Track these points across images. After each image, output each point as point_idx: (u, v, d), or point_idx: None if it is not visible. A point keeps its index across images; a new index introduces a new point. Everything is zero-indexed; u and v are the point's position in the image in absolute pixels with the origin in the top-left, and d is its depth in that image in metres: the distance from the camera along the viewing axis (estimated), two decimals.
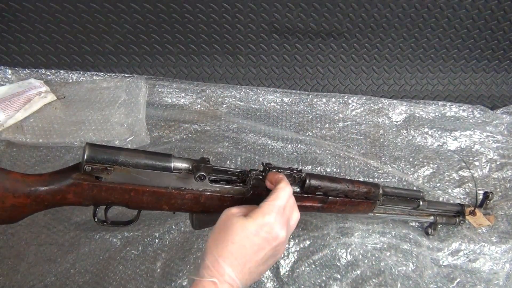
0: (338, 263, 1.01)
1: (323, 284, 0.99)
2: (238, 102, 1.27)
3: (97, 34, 1.24)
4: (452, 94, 1.37)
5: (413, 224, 1.10)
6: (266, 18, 1.24)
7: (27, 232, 0.99)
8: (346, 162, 1.18)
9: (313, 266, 1.01)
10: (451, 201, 1.14)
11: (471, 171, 1.19)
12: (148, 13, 1.21)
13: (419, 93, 1.36)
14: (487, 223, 1.09)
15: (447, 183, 1.17)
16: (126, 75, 1.28)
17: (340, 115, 1.27)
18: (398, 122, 1.27)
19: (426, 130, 1.25)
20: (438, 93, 1.36)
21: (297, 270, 1.00)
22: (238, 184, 0.77)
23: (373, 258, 1.03)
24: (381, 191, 0.89)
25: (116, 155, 0.68)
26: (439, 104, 1.31)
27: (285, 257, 1.01)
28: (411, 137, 1.24)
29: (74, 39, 1.24)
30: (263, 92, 1.29)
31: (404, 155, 1.21)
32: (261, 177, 0.76)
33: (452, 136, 1.25)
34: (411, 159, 1.20)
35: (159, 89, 1.26)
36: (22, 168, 1.08)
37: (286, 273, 0.99)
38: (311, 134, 1.23)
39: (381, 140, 1.24)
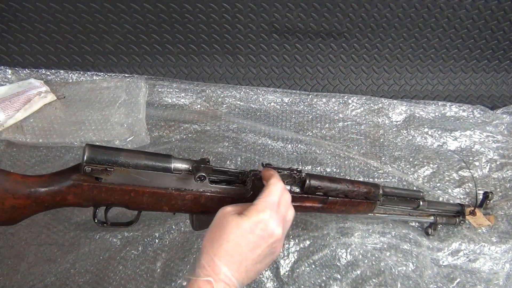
0: (338, 263, 1.01)
1: (323, 284, 0.99)
2: (238, 102, 1.27)
3: (97, 34, 1.24)
4: (452, 94, 1.37)
5: (413, 224, 1.10)
6: (266, 18, 1.24)
7: (27, 232, 0.99)
8: (346, 162, 1.18)
9: (313, 266, 1.01)
10: (451, 201, 1.14)
11: (471, 171, 1.19)
12: (148, 13, 1.21)
13: (419, 93, 1.36)
14: (487, 223, 1.09)
15: (447, 183, 1.17)
16: (126, 75, 1.28)
17: (340, 115, 1.27)
18: (398, 122, 1.27)
19: (426, 130, 1.25)
20: (438, 93, 1.36)
21: (297, 270, 1.00)
22: (238, 185, 0.77)
23: (373, 258, 1.03)
24: (381, 191, 0.89)
25: (116, 156, 0.68)
26: (439, 104, 1.31)
27: (285, 257, 1.01)
28: (411, 137, 1.24)
29: (74, 39, 1.24)
30: (263, 92, 1.29)
31: (404, 155, 1.21)
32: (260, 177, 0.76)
33: (452, 136, 1.25)
34: (411, 159, 1.20)
35: (159, 89, 1.26)
36: (22, 168, 1.08)
37: (286, 273, 0.99)
38: (311, 134, 1.23)
39: (381, 140, 1.24)
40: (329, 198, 0.84)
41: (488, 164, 1.21)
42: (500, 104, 1.37)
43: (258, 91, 1.29)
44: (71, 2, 1.18)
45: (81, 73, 1.27)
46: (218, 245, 0.62)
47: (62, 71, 1.26)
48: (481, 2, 1.23)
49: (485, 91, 1.37)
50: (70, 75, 1.26)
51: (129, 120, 1.16)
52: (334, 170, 1.16)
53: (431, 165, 1.20)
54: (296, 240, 1.03)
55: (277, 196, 0.67)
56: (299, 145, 1.19)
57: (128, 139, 1.13)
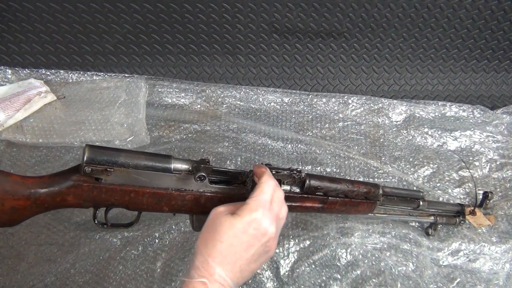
0: (338, 263, 1.01)
1: (323, 284, 0.99)
2: (238, 102, 1.27)
3: (97, 34, 1.24)
4: (452, 94, 1.37)
5: (413, 224, 1.10)
6: (266, 18, 1.24)
7: (27, 232, 0.99)
8: (346, 162, 1.18)
9: (313, 266, 1.01)
10: (451, 201, 1.14)
11: (471, 171, 1.19)
12: (148, 13, 1.21)
13: (419, 93, 1.36)
14: (487, 223, 1.09)
15: (447, 183, 1.17)
16: (126, 75, 1.28)
17: (340, 115, 1.27)
18: (398, 122, 1.27)
19: (426, 130, 1.25)
20: (438, 93, 1.36)
21: (297, 270, 1.00)
22: (238, 185, 0.77)
23: (373, 258, 1.03)
24: (381, 191, 0.89)
25: (116, 156, 0.68)
26: (439, 104, 1.31)
27: (285, 257, 1.01)
28: (411, 137, 1.24)
29: (74, 39, 1.24)
30: (263, 92, 1.29)
31: (404, 155, 1.21)
32: None
33: (452, 136, 1.25)
34: (411, 159, 1.20)
35: (159, 89, 1.26)
36: (22, 168, 1.08)
37: (286, 273, 0.99)
38: (311, 134, 1.23)
39: (381, 140, 1.24)
40: (329, 198, 0.84)
41: (488, 164, 1.21)
42: (500, 104, 1.37)
43: (258, 91, 1.29)
44: (71, 2, 1.18)
45: (81, 73, 1.27)
46: (211, 246, 0.62)
47: (62, 71, 1.26)
48: (481, 2, 1.23)
49: (485, 91, 1.37)
50: (70, 75, 1.26)
51: (129, 120, 1.16)
52: (334, 170, 1.16)
53: (431, 165, 1.20)
54: (296, 240, 1.03)
55: (269, 194, 0.67)
56: (299, 145, 1.19)
57: (128, 139, 1.13)
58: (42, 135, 1.12)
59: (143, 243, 1.00)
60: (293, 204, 0.81)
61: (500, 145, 1.24)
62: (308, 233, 1.04)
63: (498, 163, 1.21)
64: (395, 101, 1.30)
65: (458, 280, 1.03)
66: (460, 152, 1.23)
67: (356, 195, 0.87)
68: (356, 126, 1.25)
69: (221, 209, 0.67)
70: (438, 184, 1.17)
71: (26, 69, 1.25)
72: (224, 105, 1.26)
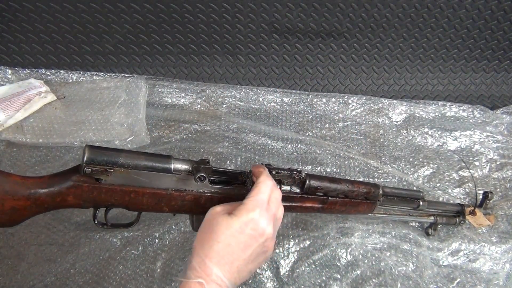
0: (338, 263, 1.01)
1: (323, 284, 0.99)
2: (238, 102, 1.27)
3: (97, 34, 1.24)
4: (452, 94, 1.37)
5: (413, 224, 1.10)
6: (266, 18, 1.23)
7: (27, 232, 0.99)
8: (346, 162, 1.18)
9: (313, 266, 1.01)
10: (451, 201, 1.14)
11: (471, 171, 1.19)
12: (148, 13, 1.21)
13: (419, 93, 1.36)
14: (487, 223, 1.09)
15: (447, 183, 1.17)
16: (126, 75, 1.28)
17: (340, 115, 1.27)
18: (398, 122, 1.27)
19: (426, 130, 1.25)
20: (438, 93, 1.36)
21: (297, 270, 1.00)
22: (238, 185, 0.77)
23: (373, 258, 1.03)
24: (381, 192, 0.89)
25: (116, 157, 0.68)
26: (439, 104, 1.31)
27: (285, 257, 1.01)
28: (411, 137, 1.24)
29: (74, 39, 1.24)
30: (263, 92, 1.29)
31: (404, 155, 1.21)
32: None
33: (452, 136, 1.25)
34: (411, 159, 1.20)
35: (159, 89, 1.26)
36: (22, 168, 1.08)
37: (286, 273, 0.99)
38: (311, 134, 1.23)
39: (381, 140, 1.24)
40: (329, 198, 0.84)
41: (488, 164, 1.21)
42: (500, 104, 1.37)
43: (258, 91, 1.29)
44: (71, 2, 1.18)
45: (81, 73, 1.27)
46: (208, 246, 0.61)
47: (62, 71, 1.26)
48: (481, 2, 1.23)
49: (485, 91, 1.37)
50: (70, 75, 1.26)
51: (129, 120, 1.16)
52: (334, 170, 1.16)
53: (431, 165, 1.20)
54: (296, 240, 1.03)
55: (266, 194, 0.67)
56: (299, 145, 1.19)
57: (128, 139, 1.13)
58: (42, 135, 1.12)
59: (143, 243, 1.00)
60: (293, 204, 0.81)
61: (500, 145, 1.24)
62: (308, 233, 1.04)
63: (498, 163, 1.21)
64: (395, 101, 1.30)
65: (458, 280, 1.03)
66: (460, 152, 1.23)
67: (356, 195, 0.87)
68: (356, 126, 1.25)
69: (218, 209, 0.66)
70: (438, 184, 1.17)
71: (26, 69, 1.25)
72: (224, 105, 1.26)
